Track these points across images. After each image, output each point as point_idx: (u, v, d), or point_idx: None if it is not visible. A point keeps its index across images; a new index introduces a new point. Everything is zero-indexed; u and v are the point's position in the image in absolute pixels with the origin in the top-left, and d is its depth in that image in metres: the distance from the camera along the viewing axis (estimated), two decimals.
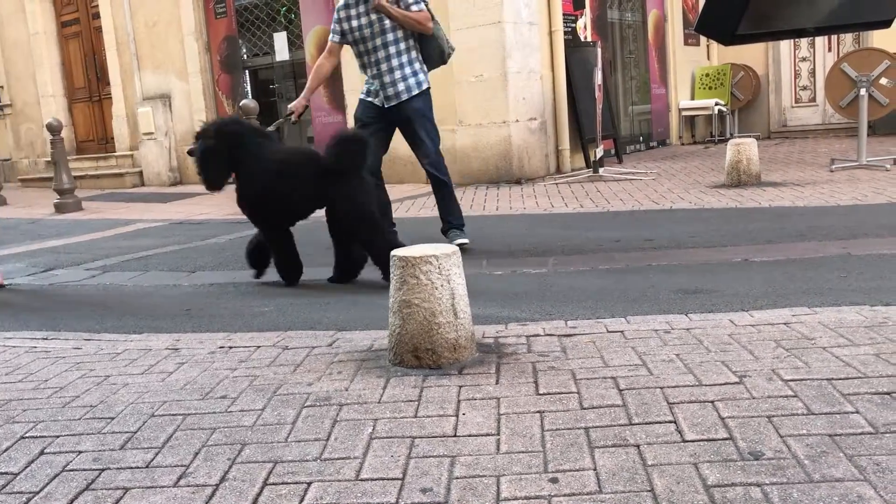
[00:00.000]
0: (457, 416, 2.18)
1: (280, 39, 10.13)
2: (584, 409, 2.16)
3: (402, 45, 4.74)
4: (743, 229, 4.99)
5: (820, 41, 11.49)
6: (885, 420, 1.95)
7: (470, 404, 2.25)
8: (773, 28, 1.16)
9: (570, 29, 9.13)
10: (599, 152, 8.21)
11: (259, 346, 2.99)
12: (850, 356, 2.41)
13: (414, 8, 4.64)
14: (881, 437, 1.86)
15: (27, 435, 2.27)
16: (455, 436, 2.05)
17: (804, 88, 11.94)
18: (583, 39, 9.42)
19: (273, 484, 1.86)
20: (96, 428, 2.28)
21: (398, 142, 4.97)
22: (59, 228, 7.74)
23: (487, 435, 2.04)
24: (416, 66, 4.80)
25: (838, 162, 7.76)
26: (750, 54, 11.80)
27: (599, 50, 8.31)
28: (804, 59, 11.82)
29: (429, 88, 4.85)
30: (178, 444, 2.13)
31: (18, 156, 13.50)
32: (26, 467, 2.05)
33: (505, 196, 7.40)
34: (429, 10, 4.74)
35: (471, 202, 7.18)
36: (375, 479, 1.84)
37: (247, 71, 10.81)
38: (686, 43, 11.98)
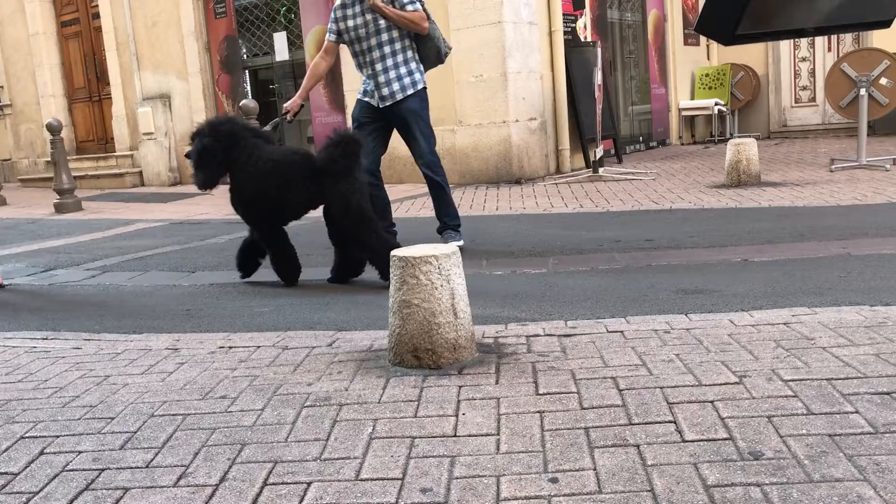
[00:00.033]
0: (456, 416, 2.18)
1: (280, 39, 10.13)
2: (584, 409, 2.16)
3: (398, 45, 4.73)
4: (743, 229, 4.99)
5: (820, 41, 11.49)
6: (884, 420, 1.95)
7: (470, 404, 2.25)
8: (773, 28, 1.16)
9: (570, 29, 9.14)
10: (599, 152, 8.21)
11: (259, 346, 2.99)
12: (850, 356, 2.41)
13: (409, 7, 4.63)
14: (881, 437, 1.86)
15: (27, 435, 2.27)
16: (455, 436, 2.05)
17: (804, 88, 11.94)
18: (583, 39, 9.43)
19: (273, 484, 1.86)
20: (96, 428, 2.28)
21: (398, 142, 4.97)
22: (58, 228, 7.74)
23: (487, 435, 2.04)
24: (413, 65, 4.79)
25: (838, 162, 7.76)
26: (750, 54, 11.81)
27: (599, 50, 8.31)
28: (804, 59, 11.82)
29: (424, 88, 4.83)
30: (178, 444, 2.13)
31: (18, 156, 13.50)
32: (26, 467, 2.05)
33: (505, 196, 7.41)
34: (425, 9, 4.73)
35: (471, 202, 7.18)
36: (375, 479, 1.84)
37: (246, 71, 10.82)
38: (686, 43, 11.99)
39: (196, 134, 4.20)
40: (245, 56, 10.71)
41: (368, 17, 4.68)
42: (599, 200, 6.69)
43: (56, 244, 6.67)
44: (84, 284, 4.86)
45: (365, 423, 2.17)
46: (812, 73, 11.80)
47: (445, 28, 7.98)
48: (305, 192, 4.05)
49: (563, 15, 8.89)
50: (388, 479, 1.84)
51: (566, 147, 8.97)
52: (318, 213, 4.27)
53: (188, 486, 1.88)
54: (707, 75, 12.06)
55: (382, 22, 4.67)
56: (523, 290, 3.86)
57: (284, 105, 4.99)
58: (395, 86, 4.73)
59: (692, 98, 12.09)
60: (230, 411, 2.34)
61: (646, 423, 2.03)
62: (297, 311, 3.74)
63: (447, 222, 4.98)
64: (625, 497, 1.68)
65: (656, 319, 2.98)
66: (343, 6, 4.77)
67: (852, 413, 2.00)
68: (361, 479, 1.85)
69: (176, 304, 4.11)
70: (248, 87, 10.77)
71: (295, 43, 9.98)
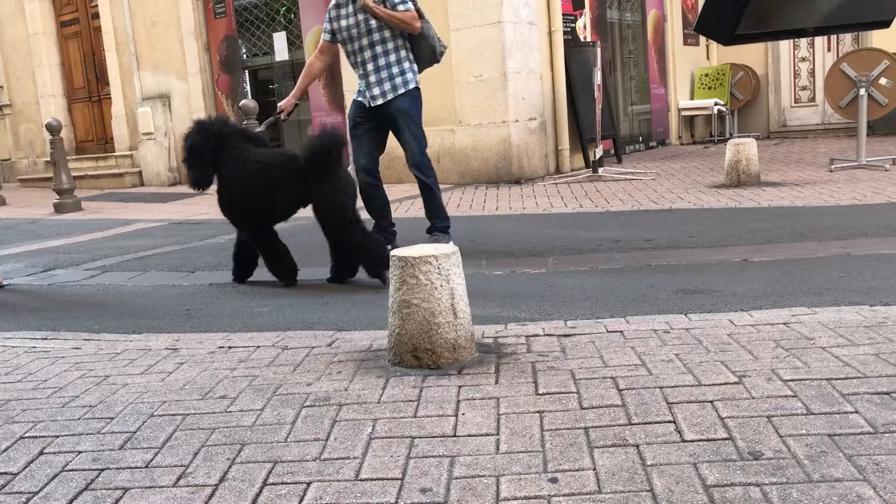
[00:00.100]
0: (456, 416, 2.18)
1: (279, 39, 10.13)
2: (584, 409, 2.16)
3: (390, 45, 4.73)
4: (742, 229, 5.00)
5: (819, 41, 11.49)
6: (884, 420, 1.95)
7: (469, 404, 2.25)
8: (772, 28, 1.16)
9: (569, 29, 9.14)
10: (599, 152, 8.21)
11: (258, 346, 2.99)
12: (850, 356, 2.41)
13: (400, 7, 4.62)
14: (880, 437, 1.86)
15: (26, 435, 2.26)
16: (454, 436, 2.05)
17: (804, 88, 11.95)
18: (582, 39, 9.43)
19: (272, 484, 1.86)
20: (96, 428, 2.28)
21: (398, 142, 4.97)
22: (58, 228, 7.74)
23: (487, 435, 2.04)
24: (405, 65, 4.78)
25: (838, 162, 7.76)
26: (749, 54, 11.81)
27: (599, 50, 8.32)
28: (804, 59, 11.83)
29: (416, 89, 4.81)
30: (178, 444, 2.13)
31: (18, 156, 13.50)
32: (26, 467, 2.05)
33: (504, 196, 7.41)
34: (417, 8, 4.71)
35: (470, 202, 7.18)
36: (375, 479, 1.84)
37: (246, 71, 10.81)
38: (685, 43, 11.99)
39: (187, 133, 4.22)
40: (245, 56, 10.71)
41: (360, 17, 4.68)
42: (599, 200, 6.69)
43: (55, 244, 6.66)
44: (83, 284, 4.86)
45: (364, 423, 2.17)
46: (812, 73, 11.80)
47: (445, 28, 8.00)
48: (292, 193, 4.06)
49: (563, 15, 8.90)
50: (387, 479, 1.84)
51: (566, 147, 8.97)
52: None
53: (188, 486, 1.88)
54: (707, 75, 12.07)
55: (374, 22, 4.66)
56: (523, 290, 3.86)
57: (279, 104, 4.99)
58: (387, 85, 4.73)
59: (692, 98, 12.10)
60: (230, 411, 2.34)
61: (645, 423, 2.03)
62: (297, 311, 3.74)
63: (436, 224, 4.99)
64: (624, 497, 1.68)
65: (656, 319, 2.98)
66: (337, 6, 4.78)
67: (852, 413, 2.00)
68: (361, 479, 1.85)
69: (175, 304, 4.11)
70: (248, 87, 10.77)
71: (294, 43, 9.97)
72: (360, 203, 4.35)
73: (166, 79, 11.08)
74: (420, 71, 4.89)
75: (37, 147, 12.93)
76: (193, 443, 2.12)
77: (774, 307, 3.09)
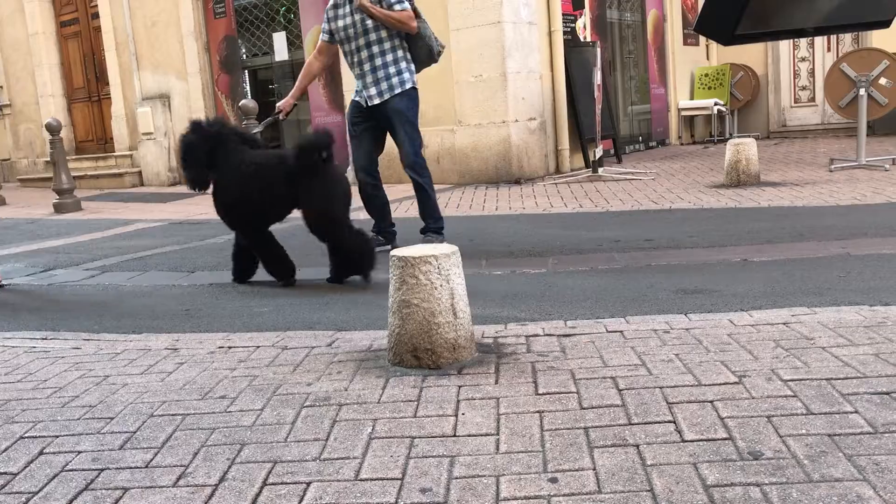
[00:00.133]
0: (456, 416, 2.18)
1: (279, 39, 10.13)
2: (584, 409, 2.16)
3: (387, 45, 4.73)
4: (742, 229, 5.00)
5: (819, 41, 11.50)
6: (884, 420, 1.95)
7: (469, 404, 2.25)
8: (772, 28, 1.16)
9: (569, 29, 9.14)
10: (599, 152, 8.21)
11: (258, 346, 2.99)
12: (850, 356, 2.41)
13: (396, 7, 4.62)
14: (880, 437, 1.86)
15: (26, 435, 2.26)
16: (454, 436, 2.05)
17: (803, 88, 11.95)
18: (582, 39, 9.43)
19: (272, 484, 1.86)
20: (95, 428, 2.28)
21: None
22: (58, 228, 7.74)
23: (487, 435, 2.04)
24: (402, 65, 4.78)
25: (837, 162, 7.76)
26: (749, 54, 11.81)
27: (599, 50, 8.32)
28: (803, 59, 11.83)
29: (413, 89, 4.81)
30: (178, 444, 2.13)
31: (17, 156, 13.50)
32: (25, 467, 2.05)
33: (504, 196, 7.41)
34: (414, 8, 4.71)
35: (470, 202, 7.18)
36: (375, 479, 1.84)
37: (246, 71, 10.81)
38: (685, 43, 11.99)
39: (183, 134, 4.23)
40: (244, 56, 10.71)
41: (357, 17, 4.68)
42: (599, 200, 6.69)
43: (55, 244, 6.66)
44: (83, 284, 4.86)
45: (364, 423, 2.17)
46: (811, 73, 11.80)
47: (445, 28, 8.00)
48: (286, 194, 4.06)
49: (563, 15, 8.90)
50: (387, 479, 1.84)
51: (566, 147, 8.97)
52: None
53: (187, 486, 1.88)
54: (706, 75, 12.07)
55: (370, 22, 4.66)
56: (523, 290, 3.86)
57: (278, 104, 5.00)
58: (383, 85, 4.73)
59: (691, 98, 12.10)
60: (229, 411, 2.34)
61: (645, 423, 2.03)
62: (297, 311, 3.74)
63: (430, 224, 5.00)
64: (624, 497, 1.68)
65: (656, 319, 2.98)
66: (334, 6, 4.79)
67: (852, 413, 2.00)
68: (361, 479, 1.85)
69: (175, 304, 4.11)
70: (248, 87, 10.77)
71: (294, 43, 9.97)
72: (358, 203, 4.35)
73: (166, 79, 11.08)
74: (418, 71, 4.89)
75: (36, 147, 12.93)
76: (193, 443, 2.12)
77: (774, 307, 3.09)
